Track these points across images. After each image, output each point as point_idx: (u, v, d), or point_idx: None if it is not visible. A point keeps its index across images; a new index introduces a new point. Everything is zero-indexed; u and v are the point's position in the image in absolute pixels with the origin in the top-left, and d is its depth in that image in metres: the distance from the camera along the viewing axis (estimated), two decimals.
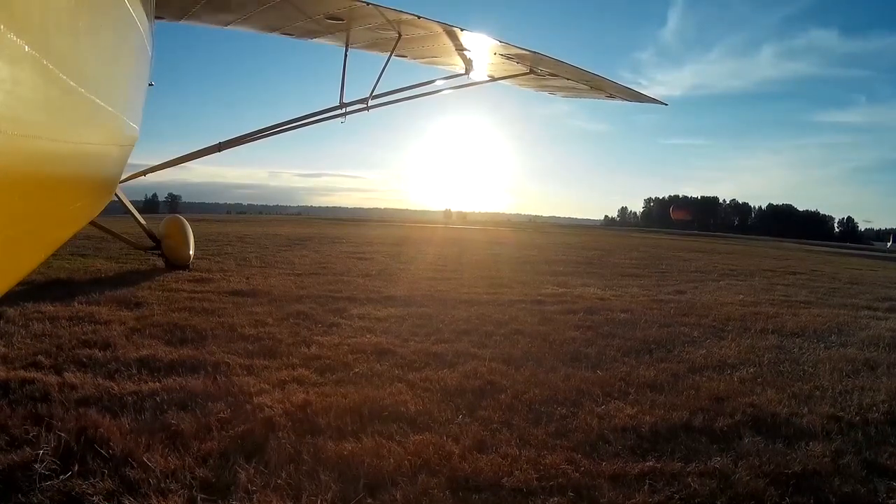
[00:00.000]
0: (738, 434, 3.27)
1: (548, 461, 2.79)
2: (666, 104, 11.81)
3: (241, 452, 2.72)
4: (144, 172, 9.76)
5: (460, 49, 8.70)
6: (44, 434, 2.77)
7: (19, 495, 2.32)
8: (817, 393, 4.09)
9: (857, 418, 3.62)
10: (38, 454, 2.57)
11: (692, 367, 4.58)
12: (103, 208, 4.67)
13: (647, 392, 3.91)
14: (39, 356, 3.98)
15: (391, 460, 2.72)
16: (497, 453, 2.86)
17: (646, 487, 2.61)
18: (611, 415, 3.45)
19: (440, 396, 3.61)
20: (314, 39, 8.67)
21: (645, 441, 3.12)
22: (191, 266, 8.51)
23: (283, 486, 2.46)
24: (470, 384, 3.86)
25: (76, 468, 2.50)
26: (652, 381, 4.15)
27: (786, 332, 6.14)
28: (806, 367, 4.76)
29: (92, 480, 2.42)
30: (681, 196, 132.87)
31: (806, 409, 3.73)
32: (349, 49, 8.94)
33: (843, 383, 4.35)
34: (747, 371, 4.54)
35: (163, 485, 2.43)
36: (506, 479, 2.62)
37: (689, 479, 2.69)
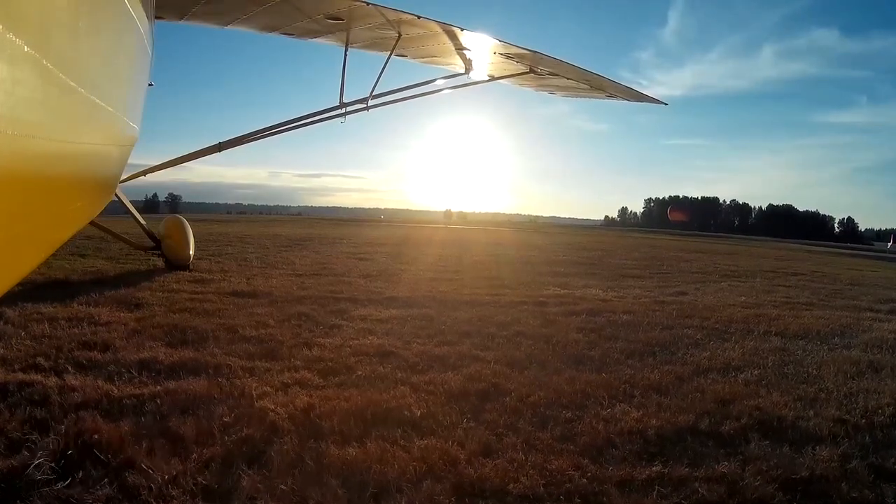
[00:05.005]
0: (745, 438, 3.24)
1: (554, 466, 2.76)
2: (666, 104, 11.78)
3: (243, 457, 2.69)
4: (144, 172, 9.74)
5: (460, 49, 8.68)
6: (42, 438, 2.73)
7: (18, 501, 2.28)
8: (822, 396, 4.06)
9: (864, 421, 3.59)
10: (36, 459, 2.53)
11: (696, 370, 4.55)
12: (103, 208, 4.65)
13: (653, 395, 3.87)
14: (38, 358, 3.93)
15: (396, 466, 2.68)
16: (503, 458, 2.82)
17: (654, 493, 2.58)
18: (616, 418, 3.41)
19: (444, 400, 3.57)
20: (314, 39, 8.64)
21: (651, 445, 3.08)
22: (191, 266, 8.47)
23: (287, 493, 2.42)
24: (474, 387, 3.83)
25: (75, 474, 2.46)
26: (657, 383, 4.12)
27: (789, 335, 6.11)
28: (810, 370, 4.73)
29: (91, 486, 2.39)
30: (681, 196, 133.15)
31: (812, 412, 3.70)
32: (349, 49, 8.92)
33: (848, 386, 4.33)
34: (752, 373, 4.50)
35: (164, 491, 2.39)
36: (512, 485, 2.58)
37: (697, 485, 2.66)
